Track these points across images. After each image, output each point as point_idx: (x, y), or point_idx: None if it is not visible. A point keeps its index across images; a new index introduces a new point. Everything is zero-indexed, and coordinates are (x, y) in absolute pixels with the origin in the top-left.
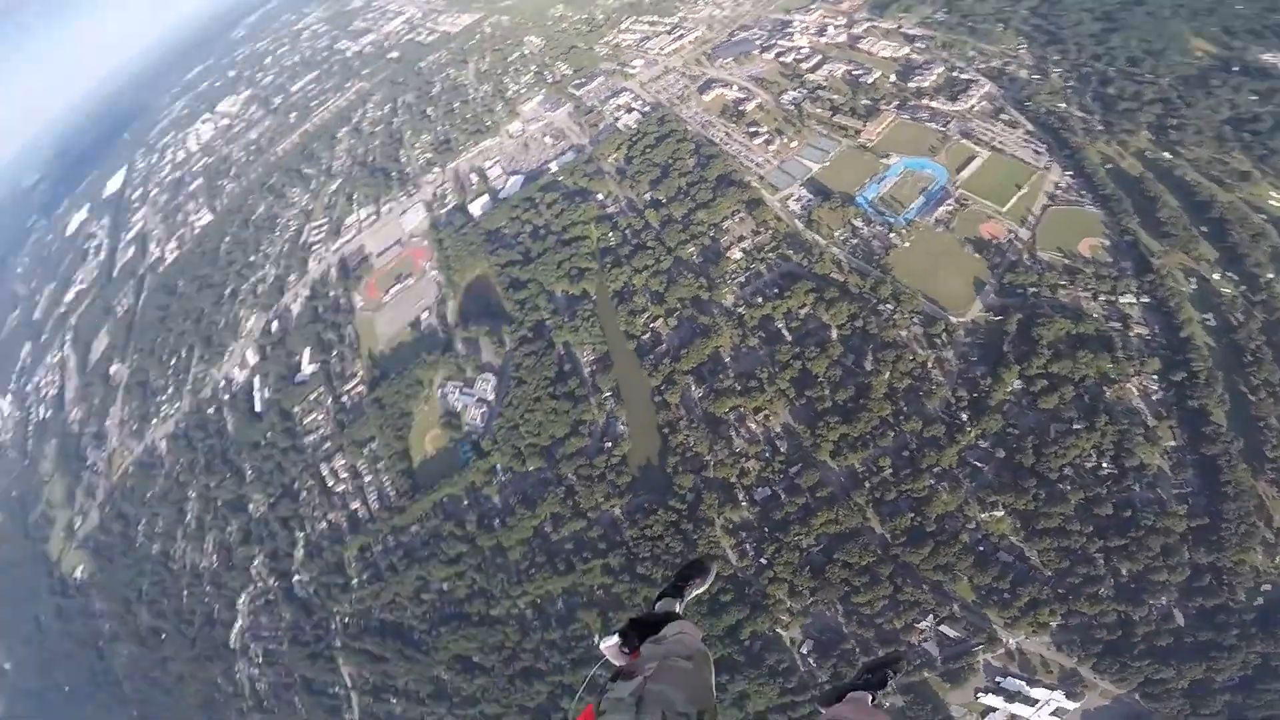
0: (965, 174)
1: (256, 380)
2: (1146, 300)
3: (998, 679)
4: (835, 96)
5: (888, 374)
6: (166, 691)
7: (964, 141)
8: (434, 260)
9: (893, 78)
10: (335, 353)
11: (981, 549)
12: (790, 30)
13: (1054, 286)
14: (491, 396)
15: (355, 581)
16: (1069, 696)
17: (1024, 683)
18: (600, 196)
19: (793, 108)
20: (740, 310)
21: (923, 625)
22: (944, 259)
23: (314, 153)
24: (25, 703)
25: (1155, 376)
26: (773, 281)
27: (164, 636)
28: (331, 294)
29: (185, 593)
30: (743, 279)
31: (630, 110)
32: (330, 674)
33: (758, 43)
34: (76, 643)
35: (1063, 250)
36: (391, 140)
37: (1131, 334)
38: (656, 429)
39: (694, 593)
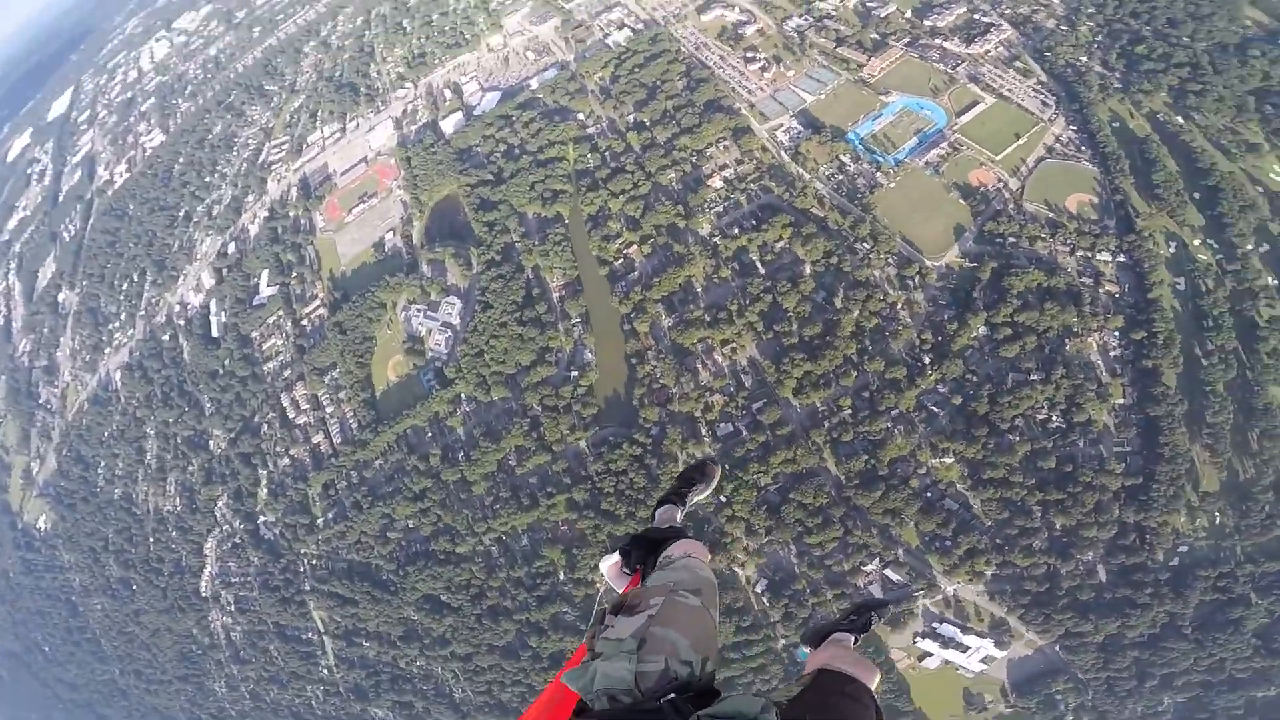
0: (965, 119)
1: (213, 304)
2: (1122, 259)
3: (934, 624)
4: (842, 27)
5: (856, 312)
6: (144, 646)
7: (970, 86)
8: (401, 179)
9: (909, 13)
10: (295, 274)
11: (929, 495)
12: None
13: (1033, 238)
14: (456, 321)
15: (320, 521)
16: (997, 645)
17: (958, 629)
18: (581, 116)
19: (795, 35)
20: (716, 240)
21: (869, 568)
22: (928, 202)
23: (277, 68)
24: (7, 665)
25: (1116, 333)
26: (751, 213)
27: (134, 588)
28: (292, 214)
29: (151, 539)
30: (721, 209)
31: (622, 27)
32: (302, 619)
33: None
34: (48, 598)
35: (1049, 203)
36: (362, 54)
37: (1101, 290)
38: (624, 358)
39: (697, 498)
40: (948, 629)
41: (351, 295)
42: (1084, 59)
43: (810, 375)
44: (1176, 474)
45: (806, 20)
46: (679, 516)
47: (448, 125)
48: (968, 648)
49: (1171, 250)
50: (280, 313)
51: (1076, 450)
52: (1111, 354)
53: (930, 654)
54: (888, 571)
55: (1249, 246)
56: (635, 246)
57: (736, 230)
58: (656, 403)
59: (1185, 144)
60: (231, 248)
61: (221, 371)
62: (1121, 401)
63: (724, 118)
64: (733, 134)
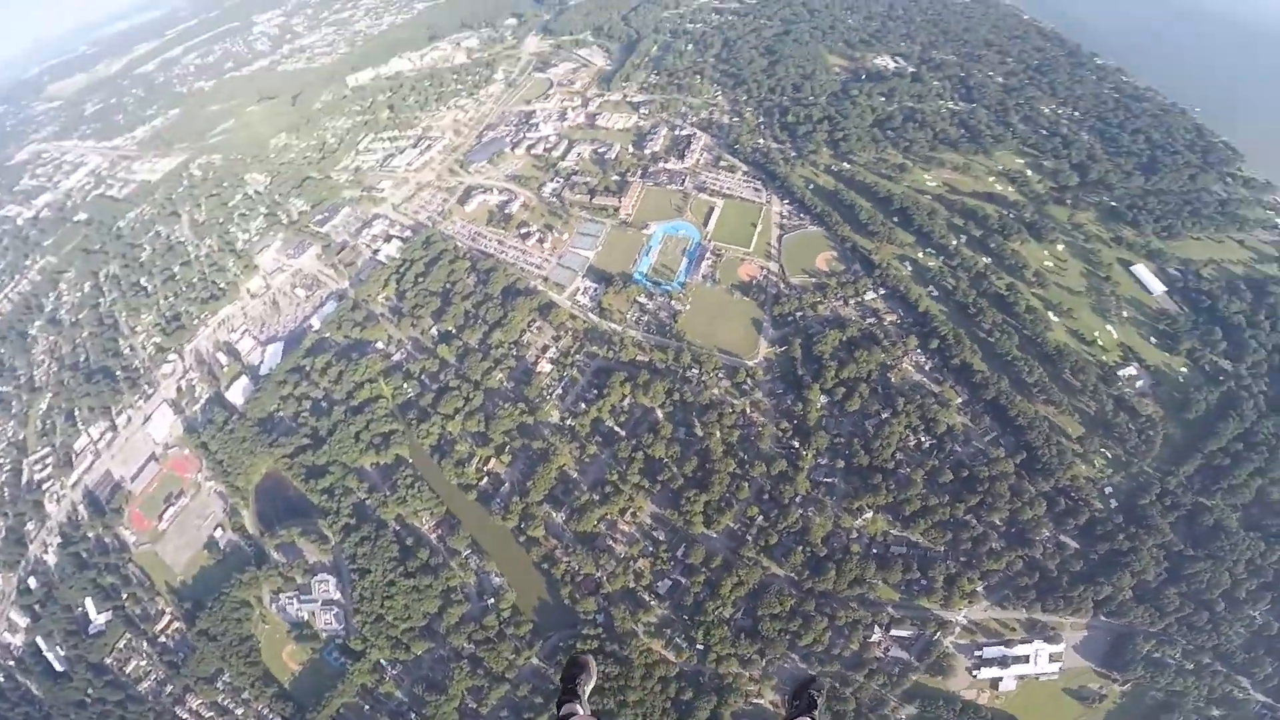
0: (711, 225)
1: (40, 641)
2: (883, 291)
3: (977, 653)
4: (589, 179)
5: (718, 433)
6: None
7: (701, 195)
8: (204, 470)
9: (630, 148)
10: (126, 595)
11: (875, 551)
12: (535, 121)
13: (814, 305)
14: (337, 595)
15: None
16: (1049, 641)
17: (1001, 646)
18: (380, 345)
19: (555, 199)
20: (569, 423)
21: (875, 638)
22: (722, 310)
23: (3, 362)
24: None
25: (919, 350)
26: (589, 383)
27: None
28: (90, 535)
29: None
30: (560, 390)
31: (389, 238)
32: None
33: (508, 140)
34: None
35: (807, 271)
36: (104, 328)
37: (886, 322)
38: (534, 567)
39: (587, 688)
40: (991, 650)
41: (205, 602)
42: (761, 141)
43: (710, 504)
44: (1044, 434)
45: (558, 181)
46: (583, 709)
47: (235, 394)
48: (1026, 656)
49: (909, 269)
50: (128, 635)
51: (957, 455)
52: (927, 367)
53: (1000, 677)
54: (894, 632)
55: (954, 241)
56: (494, 460)
57: (583, 405)
58: (588, 593)
59: (861, 183)
60: (32, 581)
61: (89, 701)
62: (960, 400)
63: (525, 300)
64: (539, 313)
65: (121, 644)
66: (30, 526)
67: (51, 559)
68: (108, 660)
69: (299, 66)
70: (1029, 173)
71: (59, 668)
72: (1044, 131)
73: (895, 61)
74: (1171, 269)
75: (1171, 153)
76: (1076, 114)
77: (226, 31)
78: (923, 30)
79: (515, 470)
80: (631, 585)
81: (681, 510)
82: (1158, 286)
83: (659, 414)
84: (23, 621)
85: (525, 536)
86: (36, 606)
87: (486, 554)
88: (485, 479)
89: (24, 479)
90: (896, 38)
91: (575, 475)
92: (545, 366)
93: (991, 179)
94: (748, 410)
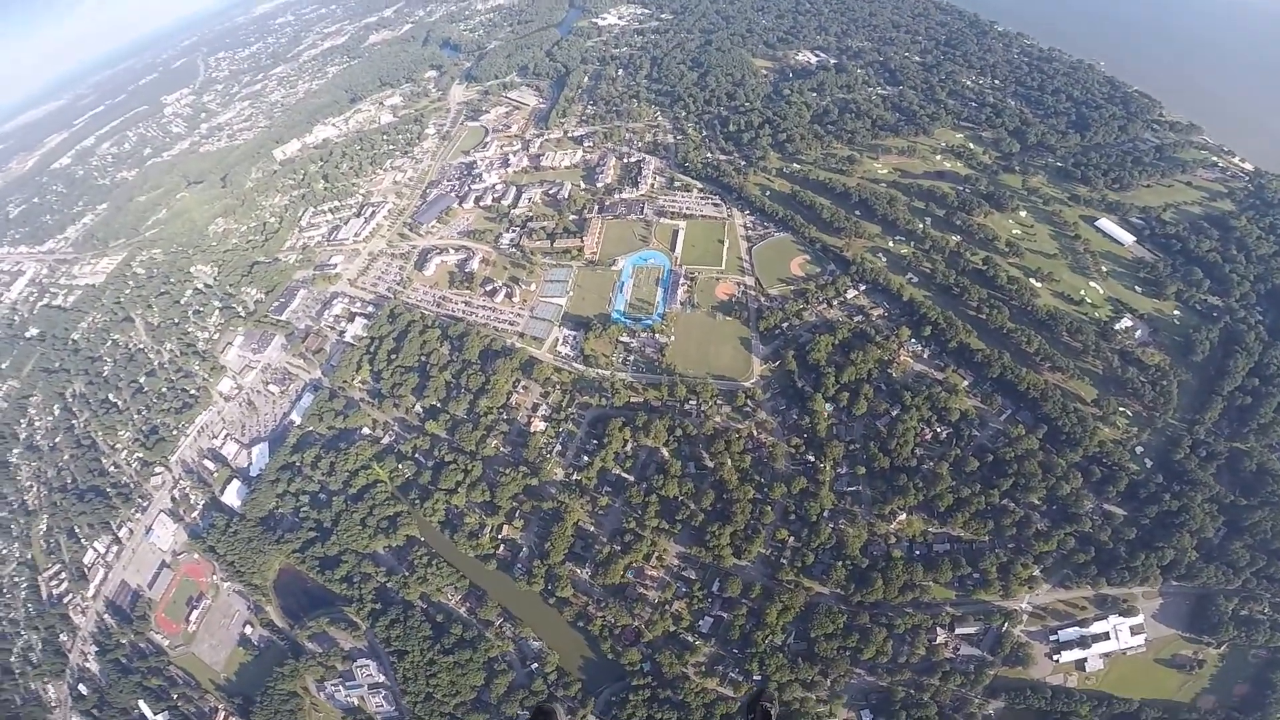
0: (679, 249)
1: None
2: (863, 287)
3: (1052, 637)
4: (545, 223)
5: (729, 461)
6: None
7: (662, 220)
8: (218, 571)
9: (581, 184)
10: (176, 695)
11: (919, 553)
12: (477, 171)
13: (798, 313)
14: (382, 678)
15: None
16: (1124, 614)
17: (1077, 626)
18: (366, 431)
19: (515, 250)
20: (575, 478)
21: (940, 639)
22: (708, 335)
23: None
24: None
25: (913, 340)
26: (587, 435)
27: None
28: (124, 641)
29: None
30: (559, 446)
31: (352, 317)
32: None
33: (453, 195)
34: None
35: (783, 279)
36: (83, 449)
37: (874, 318)
38: (570, 627)
39: None
40: (1068, 632)
41: (253, 696)
42: (709, 154)
43: (736, 534)
44: (1059, 403)
45: (514, 231)
46: None
47: (231, 498)
48: (1106, 633)
49: (883, 260)
50: None
51: (977, 439)
52: (925, 356)
53: (1084, 658)
54: (959, 630)
55: (920, 224)
56: (506, 527)
57: (585, 457)
58: (629, 643)
59: (815, 181)
60: (82, 688)
61: None
62: (965, 383)
63: (505, 361)
64: (522, 371)
65: None
66: (64, 638)
67: (94, 666)
68: None
69: (221, 145)
70: (971, 146)
71: None
72: (973, 104)
73: (816, 55)
74: (1134, 219)
75: (1095, 107)
76: (997, 82)
77: (137, 116)
78: (833, 21)
79: (530, 534)
80: (672, 629)
81: (708, 545)
82: (1127, 237)
83: (665, 453)
84: None
85: (555, 598)
86: (94, 711)
87: (520, 620)
88: (501, 547)
89: (44, 595)
90: (811, 32)
91: (592, 529)
92: (539, 425)
93: (939, 157)
94: (754, 433)
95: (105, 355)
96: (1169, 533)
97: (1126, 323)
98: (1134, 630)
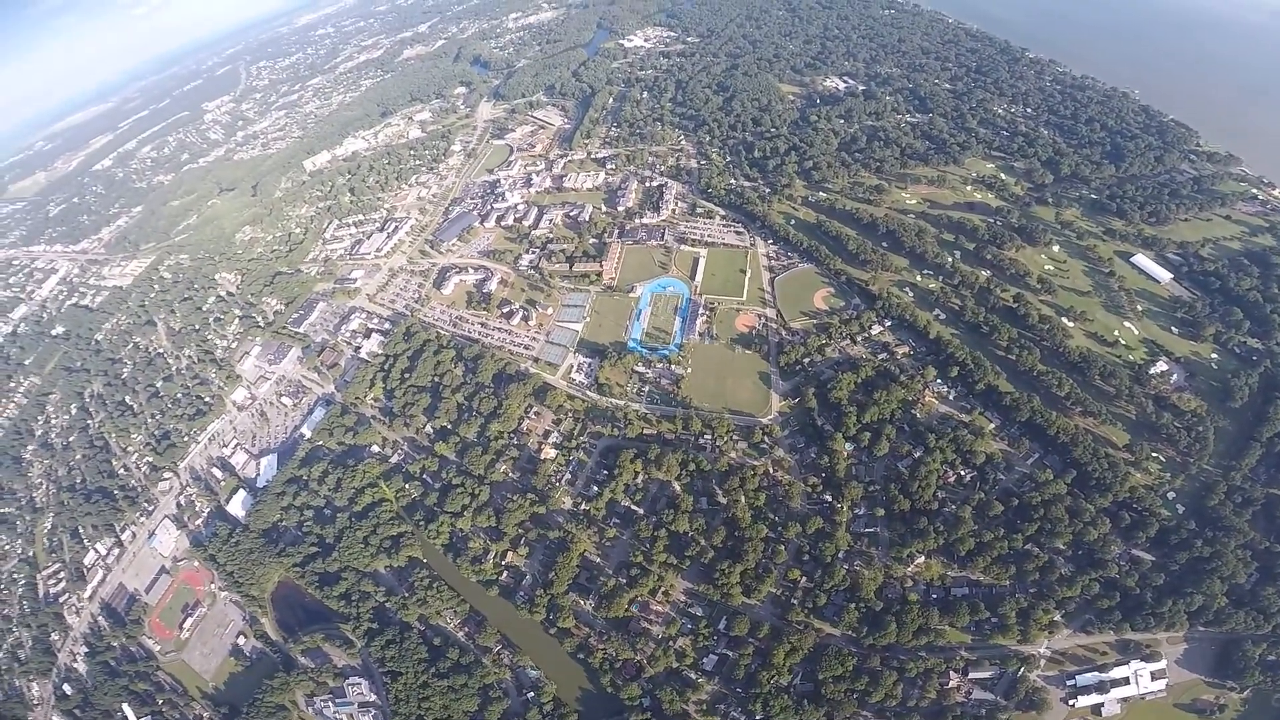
0: (699, 278)
1: None
2: (889, 323)
3: (1070, 682)
4: (565, 246)
5: (743, 499)
6: None
7: (683, 248)
8: (217, 580)
9: (603, 207)
10: (161, 701)
11: (935, 597)
12: (500, 190)
13: (820, 348)
14: (373, 697)
15: None
16: (1147, 660)
17: (1096, 671)
18: (376, 448)
19: (533, 272)
20: (583, 508)
21: (952, 683)
22: (726, 368)
23: (3, 485)
24: None
25: (939, 381)
26: (598, 465)
27: None
28: (115, 644)
29: None
30: (568, 475)
31: (369, 334)
32: None
33: (475, 214)
34: None
35: (806, 313)
36: (95, 450)
37: (899, 356)
38: (569, 657)
39: None
40: (1086, 677)
41: (240, 707)
42: (733, 181)
43: (746, 573)
44: (1090, 448)
45: (534, 252)
46: None
47: (236, 508)
48: (1126, 678)
49: (910, 295)
50: None
51: (1002, 483)
52: (951, 397)
53: (1100, 703)
54: (972, 675)
55: (949, 258)
56: (511, 554)
57: (595, 488)
58: (629, 678)
59: (842, 210)
60: (67, 688)
61: None
62: (993, 426)
63: (519, 386)
64: (535, 396)
65: None
66: (55, 637)
67: (82, 667)
68: None
69: (254, 153)
70: (1003, 176)
71: None
72: (1005, 132)
73: (844, 81)
74: (1171, 254)
75: (1130, 137)
76: (1029, 110)
77: (178, 121)
78: (861, 47)
79: (534, 562)
80: (675, 665)
81: (716, 583)
82: (1163, 274)
83: (676, 487)
84: None
85: (556, 628)
86: (76, 711)
87: (519, 648)
88: (505, 573)
89: (40, 593)
90: (839, 57)
91: (598, 560)
92: (550, 453)
93: (969, 188)
94: (770, 470)
95: (125, 357)
96: (1199, 578)
97: (1162, 366)
98: (1155, 675)
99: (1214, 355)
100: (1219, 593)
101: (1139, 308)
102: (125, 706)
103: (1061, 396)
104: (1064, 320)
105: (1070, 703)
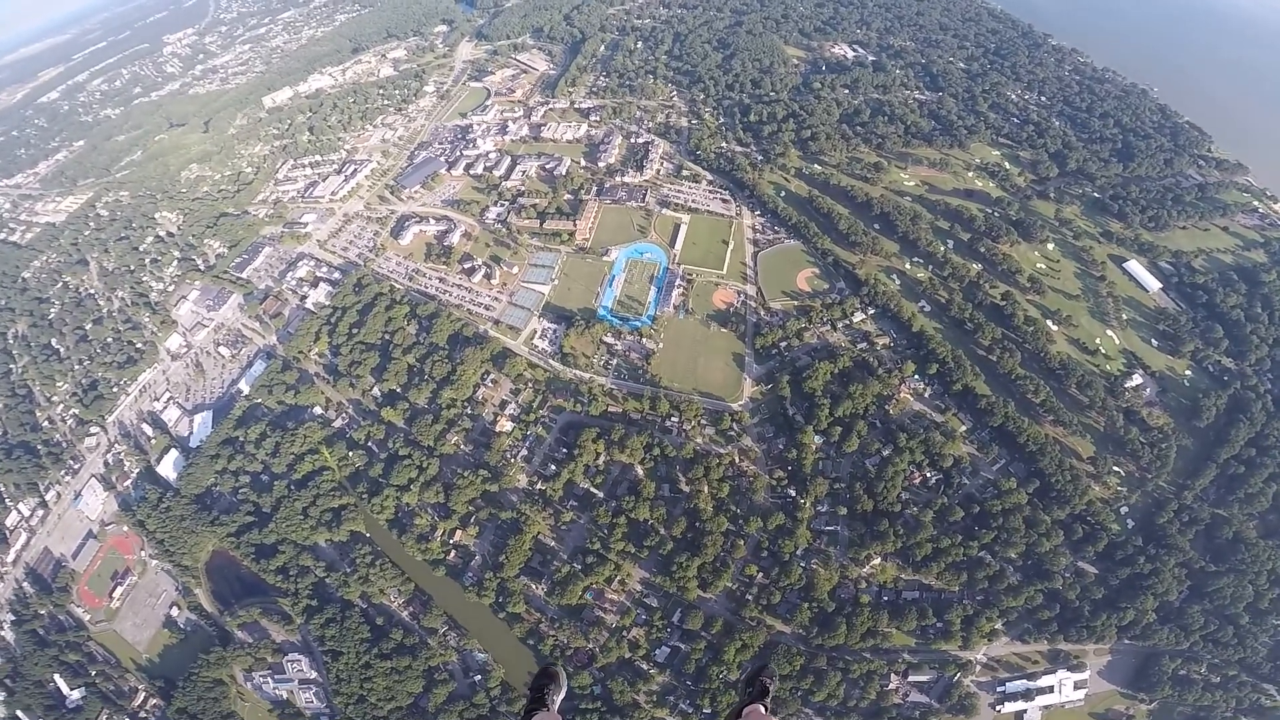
0: (679, 245)
1: (22, 715)
2: (872, 311)
3: (999, 689)
4: (537, 200)
5: (706, 488)
6: None
7: (665, 212)
8: (147, 548)
9: (582, 161)
10: (94, 672)
11: (886, 600)
12: (472, 136)
13: (799, 333)
14: (313, 674)
15: None
16: (1072, 669)
17: (1025, 680)
18: (318, 410)
19: (501, 226)
20: (539, 487)
21: (892, 685)
22: (698, 346)
23: None
24: None
25: (917, 377)
26: (557, 442)
27: None
28: (43, 612)
29: None
30: (525, 451)
31: (316, 282)
32: None
33: (443, 159)
34: None
35: (788, 293)
36: (18, 399)
37: (878, 347)
38: (519, 642)
39: (556, 698)
40: (1015, 685)
41: (176, 680)
42: (724, 144)
43: (705, 567)
44: (1056, 459)
45: (503, 205)
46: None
47: (166, 469)
48: (1051, 687)
49: (897, 283)
50: (107, 711)
51: (966, 489)
52: (927, 395)
53: (1024, 710)
54: (911, 678)
55: (941, 247)
56: (460, 532)
57: (553, 467)
58: (580, 666)
59: (836, 186)
60: None
61: None
62: (964, 428)
63: (476, 350)
64: (493, 363)
65: (104, 719)
66: None
67: (9, 635)
68: None
69: (212, 88)
70: (1007, 165)
71: None
72: (1016, 120)
73: (854, 50)
74: (1164, 262)
75: (1143, 136)
76: (1044, 99)
77: (135, 54)
78: (876, 16)
79: (485, 542)
80: (627, 655)
81: (673, 576)
82: (1153, 284)
83: (639, 471)
84: None
85: (506, 612)
86: (7, 681)
87: (466, 631)
88: (452, 553)
89: None
90: (852, 24)
91: (552, 544)
92: (506, 425)
93: (971, 174)
94: (737, 459)
95: (54, 297)
96: (1134, 594)
97: (1137, 380)
98: (1078, 685)
99: (1188, 372)
100: (1149, 608)
101: (1124, 316)
102: (58, 678)
103: (1036, 403)
104: (1049, 324)
105: (997, 708)
